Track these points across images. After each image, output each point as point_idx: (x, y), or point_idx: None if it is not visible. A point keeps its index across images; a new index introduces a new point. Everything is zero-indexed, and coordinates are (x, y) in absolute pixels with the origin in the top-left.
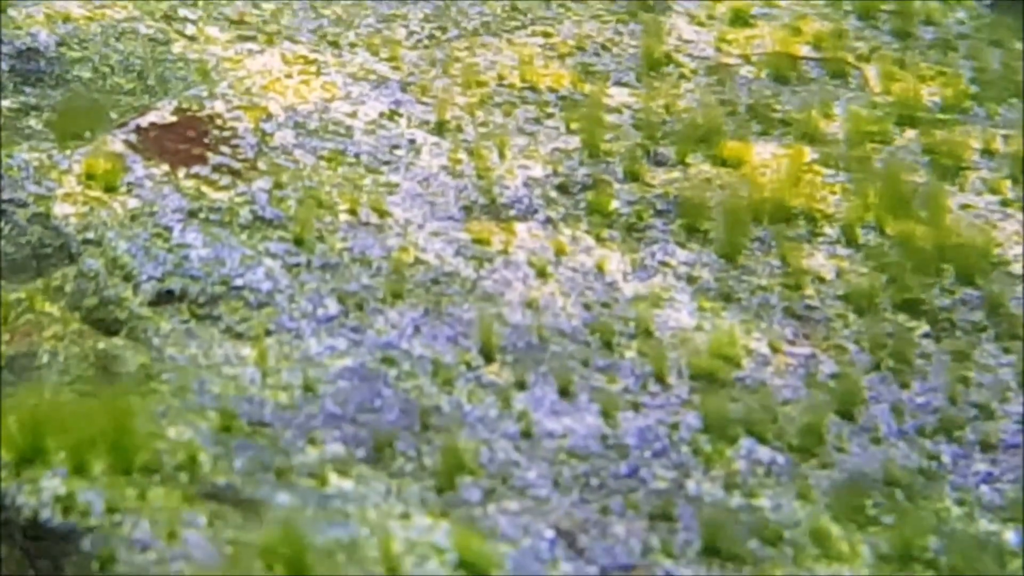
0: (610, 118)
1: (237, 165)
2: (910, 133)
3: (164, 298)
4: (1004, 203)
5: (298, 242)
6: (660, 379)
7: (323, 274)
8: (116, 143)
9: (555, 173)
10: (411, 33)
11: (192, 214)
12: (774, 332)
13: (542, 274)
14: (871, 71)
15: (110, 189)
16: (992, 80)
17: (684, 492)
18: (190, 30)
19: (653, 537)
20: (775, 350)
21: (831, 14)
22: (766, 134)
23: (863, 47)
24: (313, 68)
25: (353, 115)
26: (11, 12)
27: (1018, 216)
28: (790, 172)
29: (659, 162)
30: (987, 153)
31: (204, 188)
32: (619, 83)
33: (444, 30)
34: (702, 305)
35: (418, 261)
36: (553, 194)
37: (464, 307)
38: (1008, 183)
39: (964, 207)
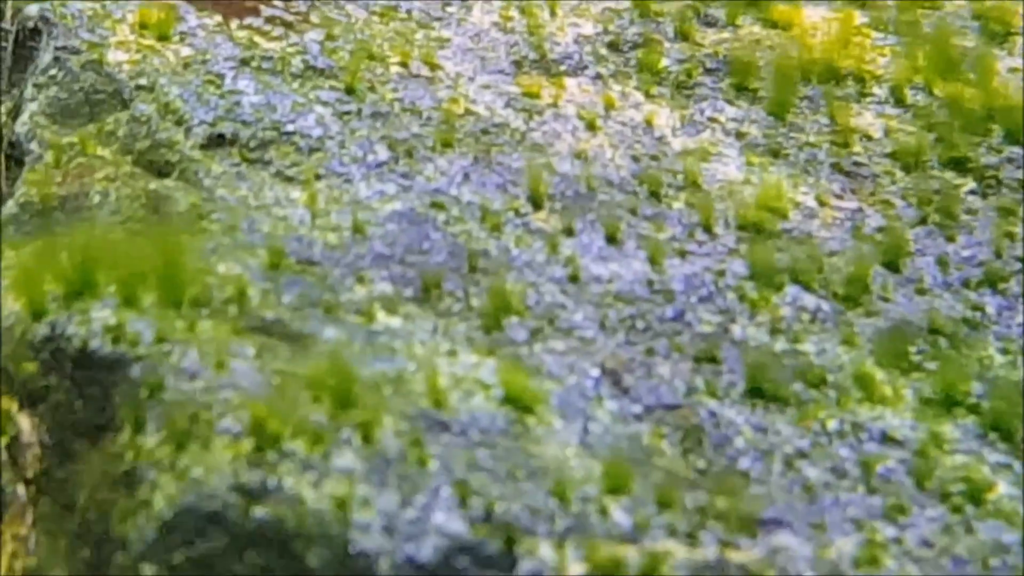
0: None
1: (290, 17)
2: None
3: (215, 142)
4: None
5: (349, 91)
6: (707, 228)
7: (373, 122)
8: None
9: (606, 31)
10: None
11: (244, 62)
12: (821, 186)
13: (591, 127)
14: None
15: (163, 38)
16: None
17: (729, 336)
18: None
19: (698, 378)
20: (822, 204)
21: None
22: None
23: None
24: None
25: None
26: None
27: None
28: (840, 34)
29: (709, 23)
30: None
31: (256, 38)
32: None
33: None
34: (750, 160)
35: (468, 112)
36: (603, 51)
37: (513, 156)
38: None
39: (1012, 70)
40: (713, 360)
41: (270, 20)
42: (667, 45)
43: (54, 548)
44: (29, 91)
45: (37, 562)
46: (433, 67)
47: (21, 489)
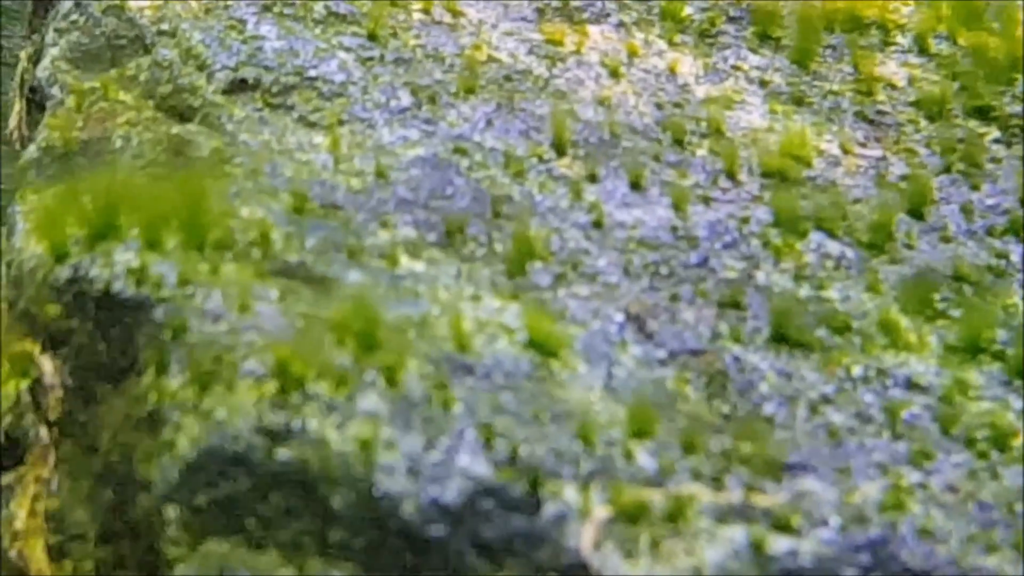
0: None
1: None
2: None
3: (238, 87)
4: None
5: (372, 37)
6: (731, 175)
7: (396, 68)
8: None
9: None
10: None
11: (266, 8)
12: (845, 134)
13: (614, 74)
14: None
15: None
16: None
17: (753, 282)
18: None
19: (722, 324)
20: (846, 151)
21: None
22: None
23: None
24: None
25: None
26: None
27: None
28: None
29: None
30: None
31: None
32: None
33: None
34: (774, 108)
35: (491, 59)
36: None
37: (536, 103)
38: None
39: None
40: (737, 306)
41: None
42: None
43: (77, 490)
44: (50, 36)
45: (59, 504)
46: (455, 14)
47: (44, 431)
